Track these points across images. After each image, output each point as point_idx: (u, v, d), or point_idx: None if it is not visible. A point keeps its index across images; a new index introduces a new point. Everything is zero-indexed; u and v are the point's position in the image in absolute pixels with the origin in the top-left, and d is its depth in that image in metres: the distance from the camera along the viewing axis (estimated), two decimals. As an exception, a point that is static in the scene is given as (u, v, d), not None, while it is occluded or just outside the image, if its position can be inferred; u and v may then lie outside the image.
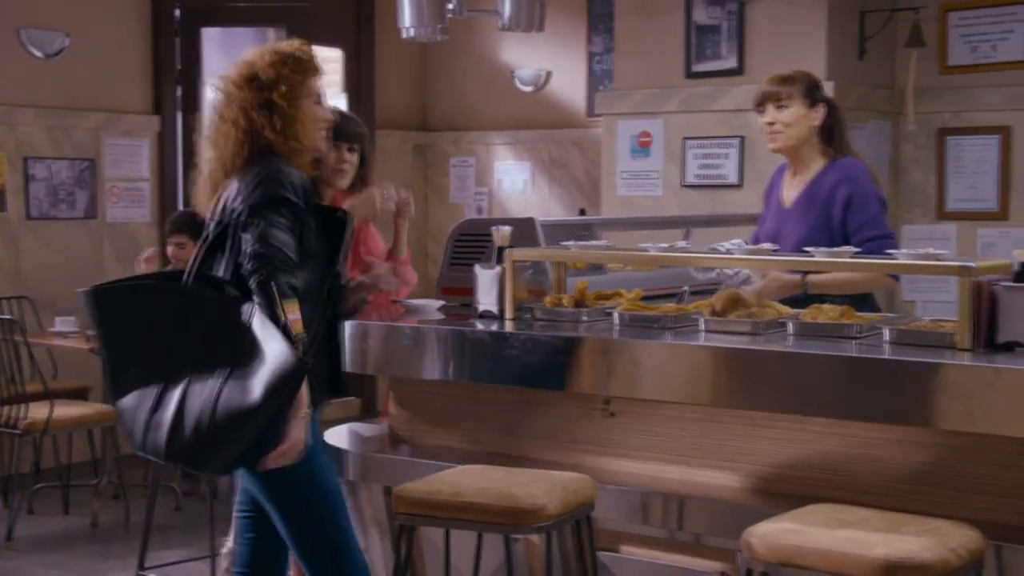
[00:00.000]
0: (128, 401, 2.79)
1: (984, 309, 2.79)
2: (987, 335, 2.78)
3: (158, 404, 2.74)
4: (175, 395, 2.73)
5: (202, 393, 2.70)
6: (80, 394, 5.90)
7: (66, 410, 5.41)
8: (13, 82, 6.36)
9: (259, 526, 3.05)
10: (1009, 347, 2.76)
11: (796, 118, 3.71)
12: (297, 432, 2.73)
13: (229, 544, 3.77)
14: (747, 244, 3.71)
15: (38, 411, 5.31)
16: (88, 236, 6.68)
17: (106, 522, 5.58)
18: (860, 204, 3.63)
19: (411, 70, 7.99)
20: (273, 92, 2.89)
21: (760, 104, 3.78)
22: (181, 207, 6.96)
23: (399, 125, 7.85)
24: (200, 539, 5.16)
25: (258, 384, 2.66)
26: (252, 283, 2.74)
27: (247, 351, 2.68)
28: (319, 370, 2.95)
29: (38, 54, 6.44)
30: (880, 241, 3.56)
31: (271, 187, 2.82)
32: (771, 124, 3.73)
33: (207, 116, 2.98)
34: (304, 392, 2.72)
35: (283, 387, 2.67)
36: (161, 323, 2.79)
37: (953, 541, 2.40)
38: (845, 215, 3.63)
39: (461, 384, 3.38)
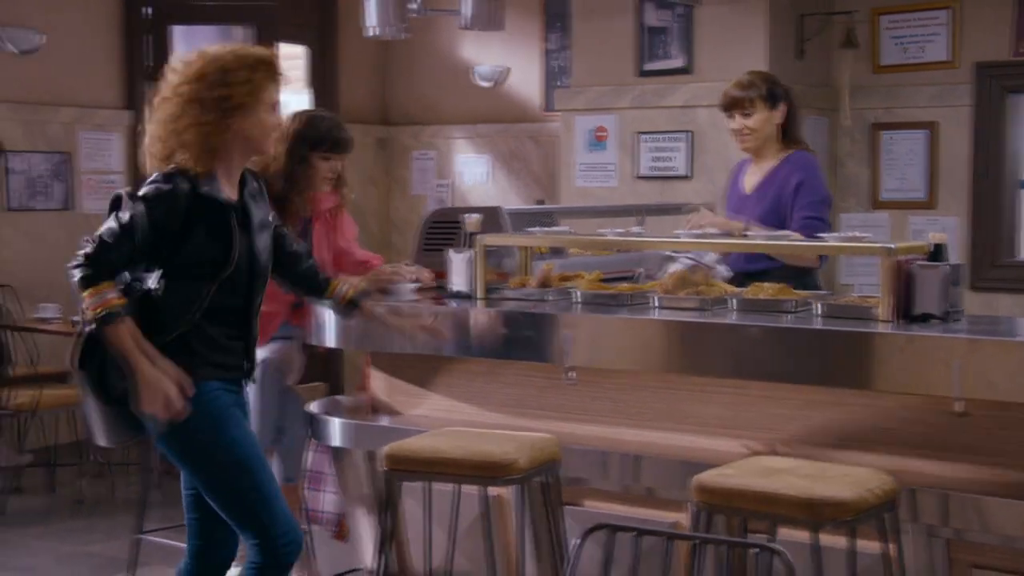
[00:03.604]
0: None
1: (902, 285, 3.17)
2: (905, 308, 3.17)
3: None
4: None
5: None
6: (62, 378, 6.15)
7: (52, 392, 5.67)
8: (-9, 78, 6.60)
9: (201, 503, 3.13)
10: (924, 318, 3.15)
11: (761, 122, 4.11)
12: (143, 379, 2.90)
13: None
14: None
15: (26, 394, 5.58)
16: (64, 227, 6.90)
17: (91, 499, 5.85)
18: (807, 189, 4.05)
19: (373, 66, 8.28)
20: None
21: (727, 110, 4.15)
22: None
23: (361, 119, 8.12)
24: (180, 513, 5.44)
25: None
26: None
27: None
28: (231, 348, 3.08)
29: (15, 51, 6.67)
30: (812, 221, 3.95)
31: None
32: (740, 130, 4.12)
33: None
34: (127, 345, 2.89)
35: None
36: None
37: (870, 484, 2.78)
38: (794, 198, 4.03)
39: (436, 358, 3.72)
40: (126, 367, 2.91)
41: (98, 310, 2.88)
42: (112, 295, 2.90)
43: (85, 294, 2.89)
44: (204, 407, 2.99)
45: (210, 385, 3.01)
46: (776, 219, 4.01)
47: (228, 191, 3.05)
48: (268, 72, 3.05)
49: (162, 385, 2.90)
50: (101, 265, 2.91)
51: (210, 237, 2.99)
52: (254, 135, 3.04)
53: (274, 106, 3.08)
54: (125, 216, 2.93)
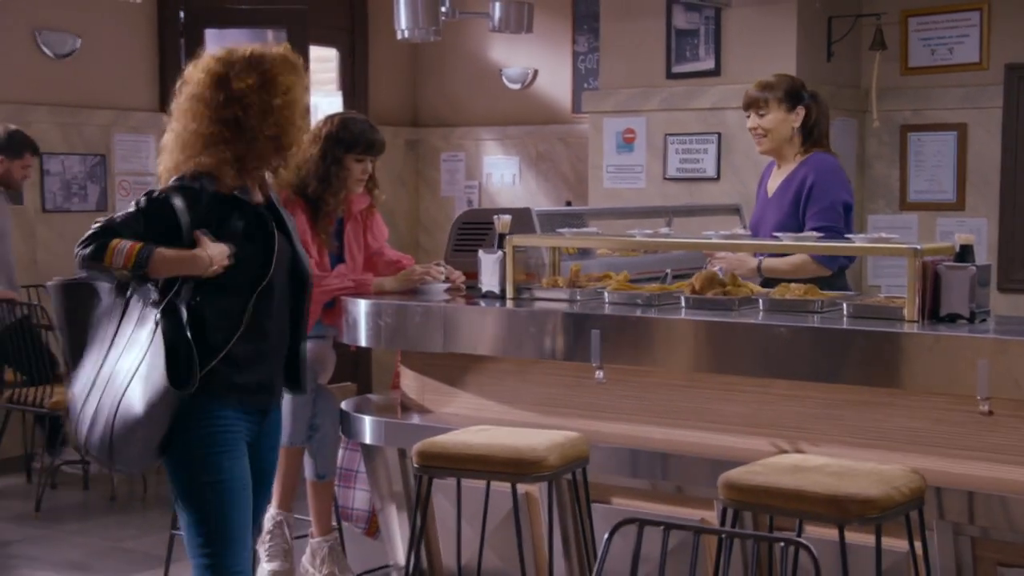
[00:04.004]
0: (75, 389, 2.90)
1: (929, 286, 3.20)
2: (932, 308, 3.19)
3: (87, 396, 2.86)
4: (98, 390, 2.84)
5: (113, 394, 2.81)
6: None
7: (88, 390, 5.76)
8: (28, 81, 6.70)
9: None
10: (951, 319, 3.17)
11: (776, 123, 4.12)
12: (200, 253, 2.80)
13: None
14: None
15: (61, 392, 5.67)
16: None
17: (123, 496, 5.94)
18: (818, 194, 4.03)
19: (403, 68, 8.35)
20: None
21: (745, 109, 4.18)
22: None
23: (391, 121, 8.19)
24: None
25: (139, 397, 2.78)
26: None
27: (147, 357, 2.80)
28: (259, 369, 2.92)
29: (51, 55, 6.78)
30: (824, 231, 3.91)
31: None
32: (754, 129, 4.15)
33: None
34: (175, 254, 2.78)
35: (161, 400, 2.78)
36: (108, 317, 2.90)
37: (897, 481, 2.81)
38: (806, 204, 4.03)
39: (467, 356, 3.76)
40: (186, 266, 2.80)
41: (128, 262, 2.76)
42: (127, 243, 2.77)
43: (104, 263, 2.76)
44: (207, 429, 2.86)
45: (224, 413, 2.88)
46: (795, 222, 4.02)
47: (257, 195, 2.98)
48: (267, 74, 2.91)
49: (212, 250, 2.82)
50: (106, 238, 2.80)
51: (245, 241, 2.89)
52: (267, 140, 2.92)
53: (284, 109, 2.92)
54: (143, 201, 2.88)
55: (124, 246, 2.77)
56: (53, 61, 6.78)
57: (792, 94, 4.14)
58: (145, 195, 2.90)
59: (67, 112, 6.85)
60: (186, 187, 2.88)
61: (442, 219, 8.15)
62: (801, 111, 4.13)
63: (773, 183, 4.23)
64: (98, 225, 2.85)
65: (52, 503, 5.76)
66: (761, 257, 4.07)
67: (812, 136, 4.16)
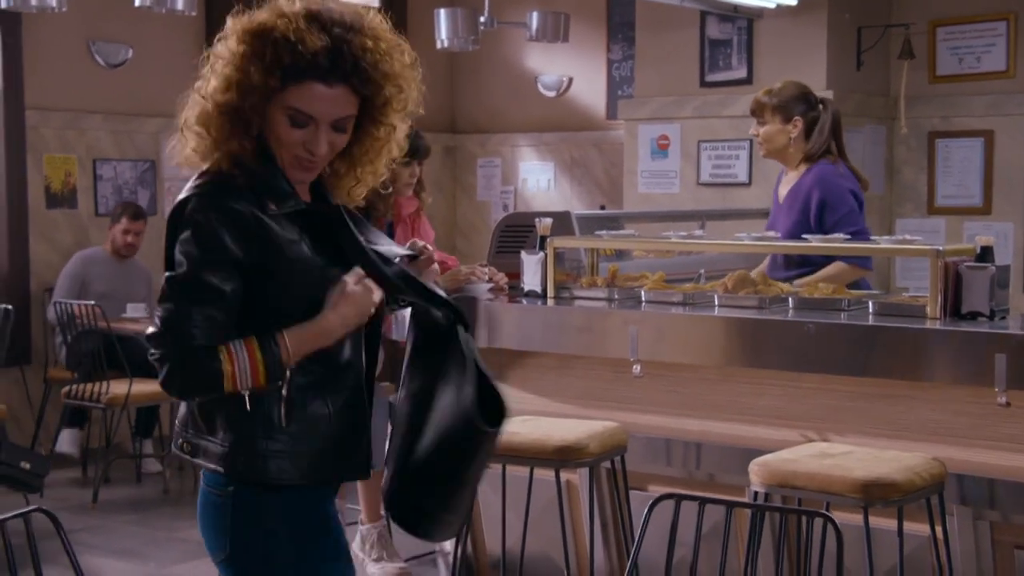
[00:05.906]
0: None
1: (951, 285, 3.36)
2: (953, 307, 3.35)
3: None
4: None
5: None
6: (151, 374, 6.48)
7: (142, 387, 6.00)
8: (83, 90, 6.96)
9: None
10: (972, 316, 3.33)
11: (772, 133, 4.24)
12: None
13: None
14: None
15: (118, 388, 5.91)
16: (149, 230, 7.23)
17: (175, 489, 6.17)
18: (833, 204, 4.10)
19: (441, 76, 8.55)
20: None
21: (751, 115, 4.34)
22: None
23: (429, 128, 8.32)
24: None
25: None
26: None
27: None
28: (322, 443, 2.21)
29: (105, 64, 7.04)
30: (854, 236, 4.00)
31: None
32: (755, 136, 4.31)
33: None
34: (307, 348, 2.16)
35: None
36: None
37: (919, 468, 2.98)
38: (821, 215, 4.12)
39: (510, 352, 3.96)
40: (324, 335, 2.17)
41: (258, 379, 2.11)
42: (240, 354, 2.09)
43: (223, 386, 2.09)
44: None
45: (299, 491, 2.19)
46: (804, 230, 4.12)
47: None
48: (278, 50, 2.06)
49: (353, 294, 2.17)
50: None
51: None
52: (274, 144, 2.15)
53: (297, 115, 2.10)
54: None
55: (241, 377, 2.09)
56: (106, 70, 7.04)
57: (786, 106, 4.17)
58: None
59: (119, 120, 7.11)
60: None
61: (479, 223, 8.35)
62: (798, 122, 4.17)
63: (783, 189, 4.36)
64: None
65: (107, 496, 6.00)
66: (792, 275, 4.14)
67: (815, 145, 4.15)
